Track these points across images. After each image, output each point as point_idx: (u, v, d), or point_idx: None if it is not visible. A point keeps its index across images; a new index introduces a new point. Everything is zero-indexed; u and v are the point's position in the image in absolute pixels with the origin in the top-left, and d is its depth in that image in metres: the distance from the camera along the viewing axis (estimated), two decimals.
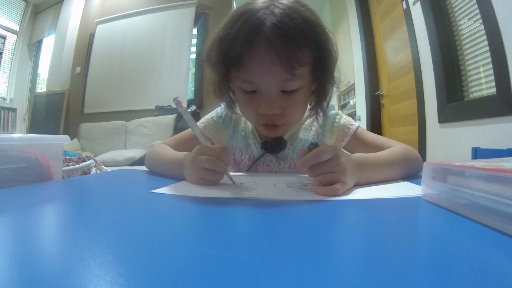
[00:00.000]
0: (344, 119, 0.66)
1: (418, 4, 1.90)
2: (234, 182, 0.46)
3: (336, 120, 0.65)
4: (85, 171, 0.73)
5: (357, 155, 0.46)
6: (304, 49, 0.47)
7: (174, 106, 3.08)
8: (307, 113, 0.60)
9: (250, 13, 0.46)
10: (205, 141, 0.48)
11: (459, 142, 1.59)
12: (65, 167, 0.68)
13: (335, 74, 0.54)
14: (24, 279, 0.15)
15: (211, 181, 0.45)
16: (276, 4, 0.46)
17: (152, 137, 2.95)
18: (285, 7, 0.46)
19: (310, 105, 0.59)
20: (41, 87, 4.21)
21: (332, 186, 0.37)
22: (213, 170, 0.43)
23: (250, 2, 0.48)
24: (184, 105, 0.46)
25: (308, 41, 0.46)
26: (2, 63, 3.72)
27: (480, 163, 0.28)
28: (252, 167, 0.64)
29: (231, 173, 0.61)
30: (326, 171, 0.39)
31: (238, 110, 0.61)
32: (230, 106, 0.61)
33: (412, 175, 0.51)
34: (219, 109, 0.70)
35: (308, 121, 0.67)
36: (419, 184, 0.37)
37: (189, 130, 0.68)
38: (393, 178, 0.48)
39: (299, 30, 0.45)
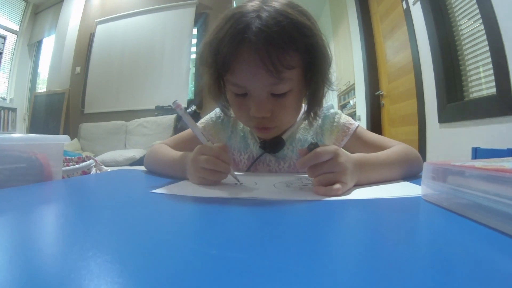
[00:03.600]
0: (344, 118, 0.65)
1: (418, 4, 1.90)
2: (238, 181, 0.46)
3: (336, 120, 0.65)
4: (85, 171, 0.73)
5: (357, 155, 0.46)
6: (291, 52, 0.46)
7: (172, 106, 3.09)
8: (303, 114, 0.60)
9: (238, 16, 0.46)
10: (206, 141, 0.48)
11: (459, 142, 1.59)
12: (65, 167, 0.68)
13: (329, 77, 0.53)
14: (24, 279, 0.15)
15: (212, 181, 0.45)
16: (265, 7, 0.46)
17: (152, 137, 2.95)
18: (273, 10, 0.45)
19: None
20: (41, 87, 4.20)
21: (332, 186, 0.37)
22: (213, 170, 0.43)
23: (241, 5, 0.48)
24: (184, 107, 0.47)
25: (295, 44, 0.46)
26: (2, 63, 3.72)
27: (480, 163, 0.28)
28: (252, 167, 0.64)
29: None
30: (326, 171, 0.39)
31: (232, 112, 0.61)
32: (224, 109, 0.61)
33: (412, 175, 0.51)
34: (218, 110, 0.70)
35: (307, 121, 0.67)
36: (419, 184, 0.37)
37: (188, 130, 0.68)
38: (393, 178, 0.48)
39: (285, 33, 0.44)
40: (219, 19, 0.49)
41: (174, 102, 0.47)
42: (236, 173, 0.62)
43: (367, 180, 0.44)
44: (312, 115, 0.57)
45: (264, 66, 0.45)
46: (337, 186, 0.37)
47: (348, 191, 0.38)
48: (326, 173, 0.39)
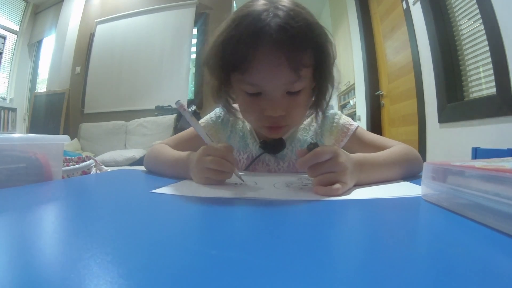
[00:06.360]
0: (343, 119, 0.66)
1: (418, 4, 1.90)
2: (243, 181, 0.46)
3: (335, 120, 0.65)
4: (85, 171, 0.73)
5: (358, 155, 0.46)
6: (306, 50, 0.47)
7: (174, 106, 3.07)
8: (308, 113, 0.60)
9: (253, 15, 0.46)
10: (211, 142, 0.48)
11: (459, 142, 1.59)
12: (65, 167, 0.68)
13: (334, 74, 0.54)
14: (24, 279, 0.15)
15: (217, 181, 0.45)
16: (278, 6, 0.46)
17: (152, 137, 2.95)
18: (288, 10, 0.46)
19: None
20: (41, 87, 4.20)
21: (331, 186, 0.37)
22: (218, 170, 0.43)
23: (249, 5, 0.48)
24: (186, 107, 0.47)
25: (310, 43, 0.47)
26: (2, 63, 3.72)
27: (480, 163, 0.28)
28: (251, 167, 0.64)
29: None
30: (326, 171, 0.39)
31: (238, 114, 0.61)
32: (230, 110, 0.60)
33: (413, 175, 0.51)
34: (218, 110, 0.70)
35: (307, 121, 0.67)
36: (419, 184, 0.37)
37: (188, 130, 0.68)
38: (393, 178, 0.48)
39: (303, 32, 0.45)
40: (229, 19, 0.49)
41: (177, 102, 0.47)
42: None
43: (367, 179, 0.44)
44: (320, 113, 0.58)
45: (287, 63, 0.45)
46: (337, 186, 0.37)
47: (348, 191, 0.38)
48: (326, 173, 0.39)
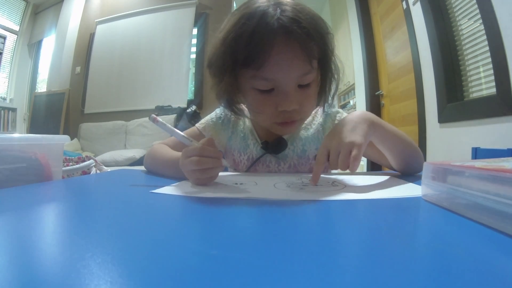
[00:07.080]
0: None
1: (418, 4, 1.90)
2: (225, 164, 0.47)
3: (337, 118, 0.65)
4: (85, 171, 0.73)
5: (367, 114, 0.47)
6: (315, 41, 0.48)
7: (174, 106, 3.06)
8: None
9: (261, 11, 0.46)
10: (190, 142, 0.47)
11: (459, 142, 1.59)
12: (65, 167, 0.67)
13: (337, 64, 0.56)
14: (24, 279, 0.15)
15: (207, 179, 0.44)
16: (282, 2, 0.47)
17: (152, 137, 2.95)
18: (293, 5, 0.47)
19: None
20: (41, 87, 4.20)
21: (350, 161, 0.39)
22: (202, 169, 0.43)
23: (251, 3, 0.49)
24: (160, 119, 0.46)
25: (317, 34, 0.48)
26: (2, 63, 3.72)
27: (480, 163, 0.28)
28: (251, 168, 0.64)
29: (231, 173, 0.61)
30: (336, 155, 0.41)
31: (243, 114, 0.60)
32: (235, 111, 0.59)
33: (413, 167, 0.52)
34: (219, 111, 0.70)
35: (308, 119, 0.67)
36: (419, 184, 0.37)
37: (187, 131, 0.68)
38: (395, 152, 0.50)
39: (312, 24, 0.47)
40: (233, 19, 0.49)
41: (151, 117, 0.47)
42: (235, 173, 0.62)
43: (377, 134, 0.46)
44: (326, 105, 0.59)
45: (302, 54, 0.47)
46: (353, 155, 0.39)
47: (349, 189, 0.38)
48: (338, 157, 0.41)
